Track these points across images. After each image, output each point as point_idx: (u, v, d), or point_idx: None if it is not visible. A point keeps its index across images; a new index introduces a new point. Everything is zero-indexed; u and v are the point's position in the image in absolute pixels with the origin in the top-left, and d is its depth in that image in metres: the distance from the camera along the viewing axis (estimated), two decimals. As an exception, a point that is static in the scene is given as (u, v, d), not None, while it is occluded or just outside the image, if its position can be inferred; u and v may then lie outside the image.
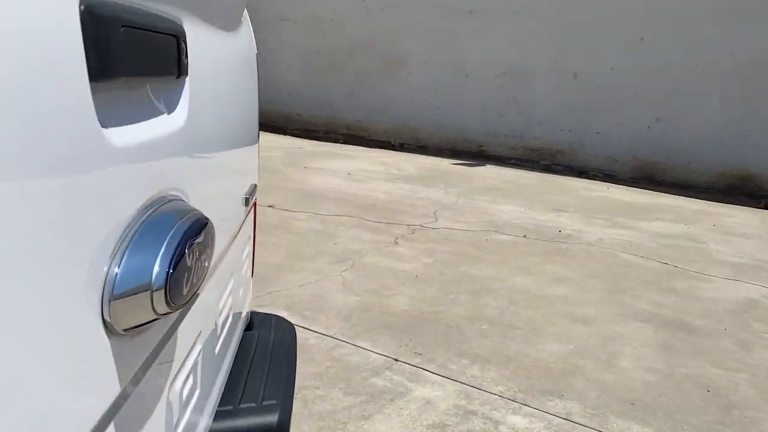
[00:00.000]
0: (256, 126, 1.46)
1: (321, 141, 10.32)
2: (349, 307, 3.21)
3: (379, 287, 3.55)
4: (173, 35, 0.70)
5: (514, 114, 9.54)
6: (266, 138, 9.92)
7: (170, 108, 0.73)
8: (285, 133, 10.89)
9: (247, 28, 1.32)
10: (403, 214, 5.35)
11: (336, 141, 10.44)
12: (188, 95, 0.76)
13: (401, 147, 10.20)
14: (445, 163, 8.62)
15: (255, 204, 1.49)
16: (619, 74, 8.62)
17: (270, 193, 5.73)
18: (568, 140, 9.11)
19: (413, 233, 4.78)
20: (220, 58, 1.01)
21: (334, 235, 4.54)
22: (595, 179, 8.23)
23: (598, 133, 8.86)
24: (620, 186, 7.89)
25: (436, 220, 5.25)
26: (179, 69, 0.72)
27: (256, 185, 1.41)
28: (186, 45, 0.74)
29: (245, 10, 1.34)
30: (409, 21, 10.16)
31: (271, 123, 11.69)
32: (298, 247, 4.17)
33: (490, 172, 8.12)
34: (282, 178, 6.50)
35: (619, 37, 8.50)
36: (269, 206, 5.20)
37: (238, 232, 1.22)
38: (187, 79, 0.76)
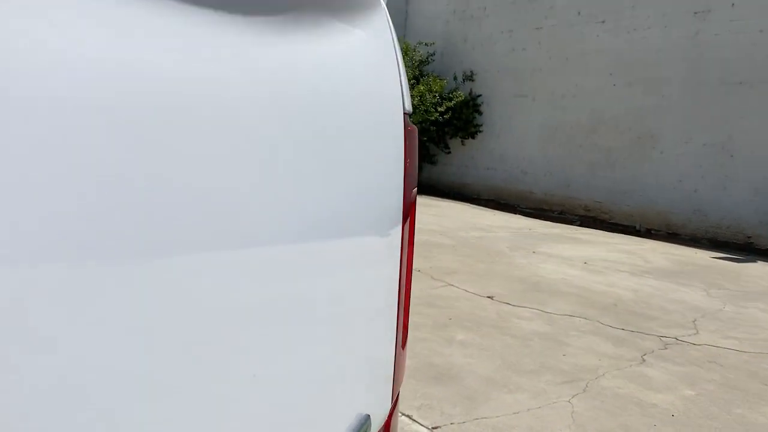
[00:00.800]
0: (395, 291, 0.81)
1: (555, 222, 9.50)
2: (579, 455, 2.41)
3: (621, 427, 2.68)
4: None
5: (795, 201, 7.91)
6: (494, 217, 9.38)
7: None
8: (515, 212, 10.25)
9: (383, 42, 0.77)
10: (652, 321, 4.35)
11: (571, 223, 9.54)
12: None
13: (648, 233, 8.99)
14: (703, 256, 7.28)
15: None
16: None
17: (491, 281, 5.09)
18: None
19: (666, 348, 3.79)
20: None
21: (564, 342, 3.73)
22: None
23: None
24: None
25: (697, 332, 4.17)
26: None
27: (369, 420, 0.74)
28: None
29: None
30: (662, 95, 9.08)
31: (501, 200, 11.16)
32: (518, 356, 3.44)
33: (763, 270, 6.64)
34: (506, 264, 5.84)
35: None
36: (488, 297, 4.56)
37: None
38: None
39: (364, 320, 0.72)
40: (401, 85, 0.82)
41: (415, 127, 0.87)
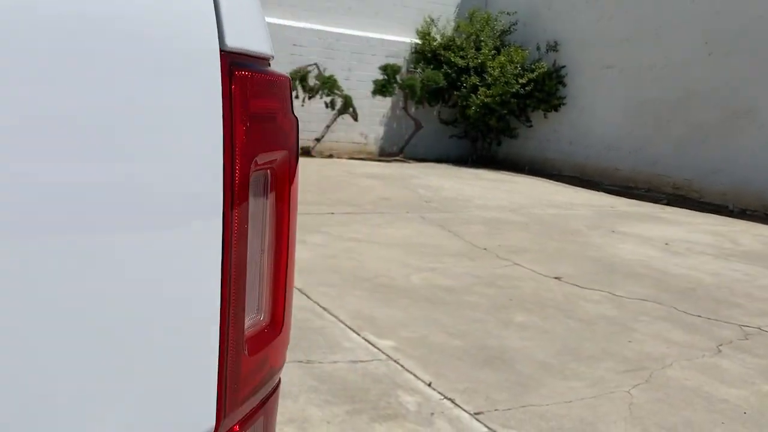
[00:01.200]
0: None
1: (639, 200, 9.05)
2: (632, 451, 2.24)
3: (683, 424, 2.48)
4: None
5: None
6: (574, 194, 9.04)
7: None
8: (598, 189, 9.84)
9: None
10: (735, 309, 4.04)
11: (657, 201, 9.06)
12: None
13: (742, 214, 8.41)
14: (802, 240, 6.73)
15: None
16: None
17: (561, 261, 4.87)
18: None
19: (746, 339, 3.51)
20: None
21: (631, 328, 3.51)
22: None
23: None
24: None
25: (785, 322, 3.84)
26: None
27: None
28: None
29: None
30: (764, 65, 8.41)
31: (584, 177, 10.74)
32: (579, 340, 3.26)
33: None
34: (581, 244, 5.58)
35: None
36: (556, 278, 4.36)
37: None
38: None
39: (140, 342, 0.57)
40: (218, 10, 0.59)
41: (275, 74, 0.70)
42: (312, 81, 10.69)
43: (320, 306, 3.39)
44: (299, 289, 3.60)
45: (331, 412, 2.29)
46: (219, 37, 0.59)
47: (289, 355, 2.71)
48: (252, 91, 0.64)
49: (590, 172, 10.77)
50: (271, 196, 0.71)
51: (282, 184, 0.72)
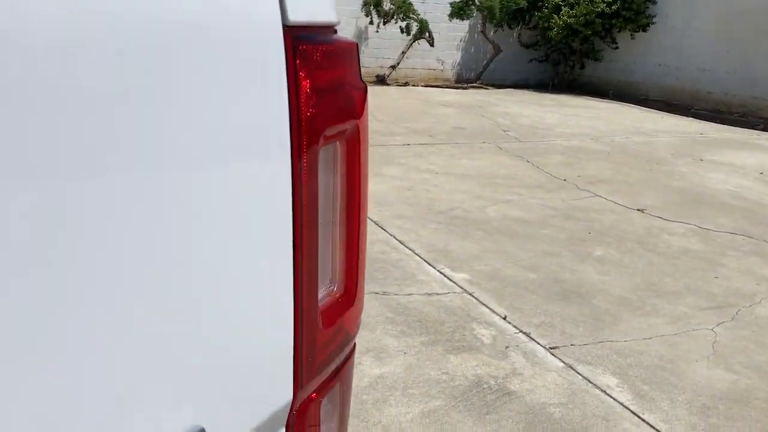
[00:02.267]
0: None
1: (733, 126, 8.53)
2: (715, 392, 2.19)
3: (771, 363, 2.39)
4: None
5: None
6: (662, 120, 8.60)
7: None
8: (687, 115, 9.32)
9: None
10: (834, 243, 3.81)
11: (754, 127, 8.51)
12: None
13: None
14: None
15: None
16: None
17: (645, 192, 4.68)
18: None
19: None
20: None
21: (718, 263, 3.38)
22: None
23: None
24: None
25: None
26: None
27: None
28: None
29: None
30: None
31: (672, 102, 10.17)
32: (660, 275, 3.16)
33: None
34: (666, 173, 5.34)
35: None
36: (638, 210, 4.21)
37: None
38: None
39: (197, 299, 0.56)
40: None
41: (341, 42, 0.66)
42: (387, 5, 10.43)
43: (396, 239, 3.42)
44: (375, 222, 3.63)
45: (406, 342, 2.34)
46: (281, 13, 0.58)
47: (366, 287, 2.76)
48: (316, 64, 0.62)
49: (679, 96, 10.19)
50: (341, 167, 0.70)
51: (352, 154, 0.71)
